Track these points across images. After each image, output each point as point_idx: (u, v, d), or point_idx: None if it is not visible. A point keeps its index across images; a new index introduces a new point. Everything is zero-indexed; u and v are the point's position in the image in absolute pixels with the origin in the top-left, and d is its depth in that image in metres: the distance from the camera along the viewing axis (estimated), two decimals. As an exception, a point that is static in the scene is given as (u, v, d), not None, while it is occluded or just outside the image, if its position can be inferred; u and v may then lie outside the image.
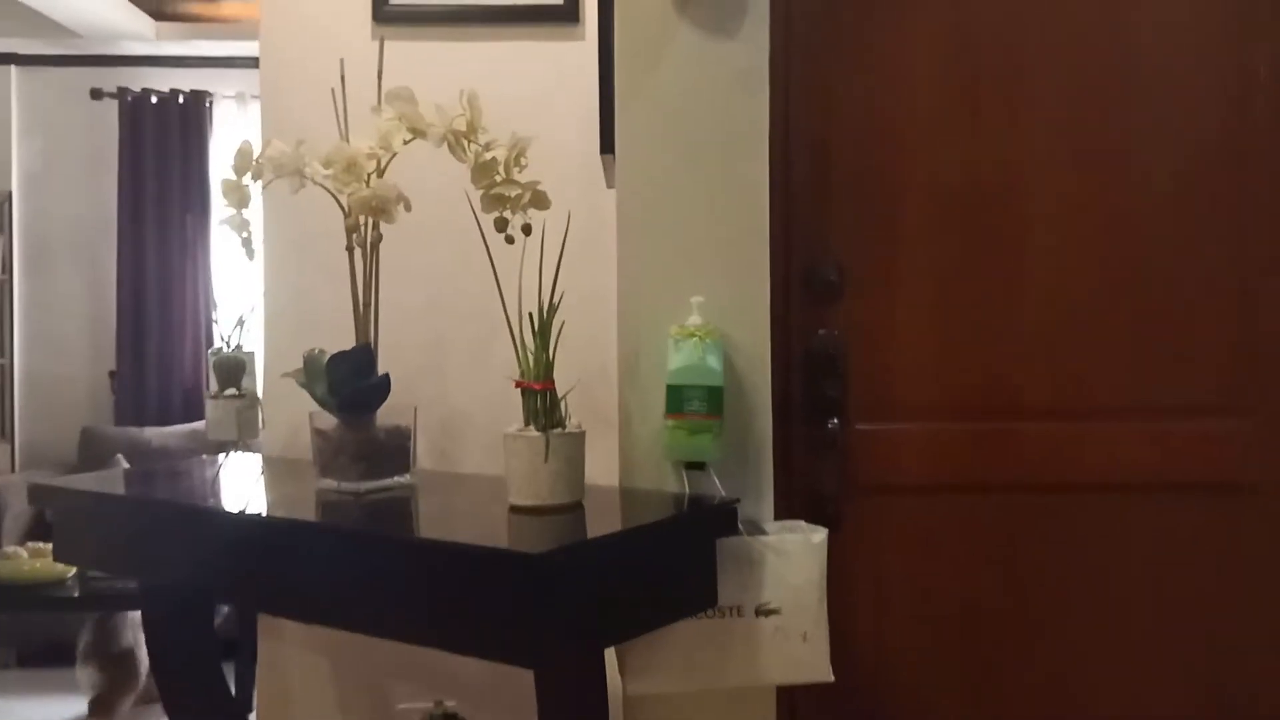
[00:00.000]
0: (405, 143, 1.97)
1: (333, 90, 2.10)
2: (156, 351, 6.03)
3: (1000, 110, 2.07)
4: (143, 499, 2.08)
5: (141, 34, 5.85)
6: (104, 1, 5.48)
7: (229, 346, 2.21)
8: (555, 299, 1.76)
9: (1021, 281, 2.06)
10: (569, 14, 2.56)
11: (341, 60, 2.14)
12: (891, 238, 2.08)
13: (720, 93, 1.96)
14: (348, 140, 2.06)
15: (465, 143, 1.93)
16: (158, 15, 5.80)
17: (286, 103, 2.50)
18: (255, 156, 2.00)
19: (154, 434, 5.73)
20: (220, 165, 5.99)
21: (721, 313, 1.90)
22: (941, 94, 2.09)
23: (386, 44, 2.24)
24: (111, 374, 6.10)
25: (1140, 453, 2.04)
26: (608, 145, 2.03)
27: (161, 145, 6.16)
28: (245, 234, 2.03)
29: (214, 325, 5.39)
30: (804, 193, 2.08)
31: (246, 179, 2.03)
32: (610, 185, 2.22)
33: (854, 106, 2.09)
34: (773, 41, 1.96)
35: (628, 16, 1.97)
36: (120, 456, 5.47)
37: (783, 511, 1.94)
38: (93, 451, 5.62)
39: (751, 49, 1.97)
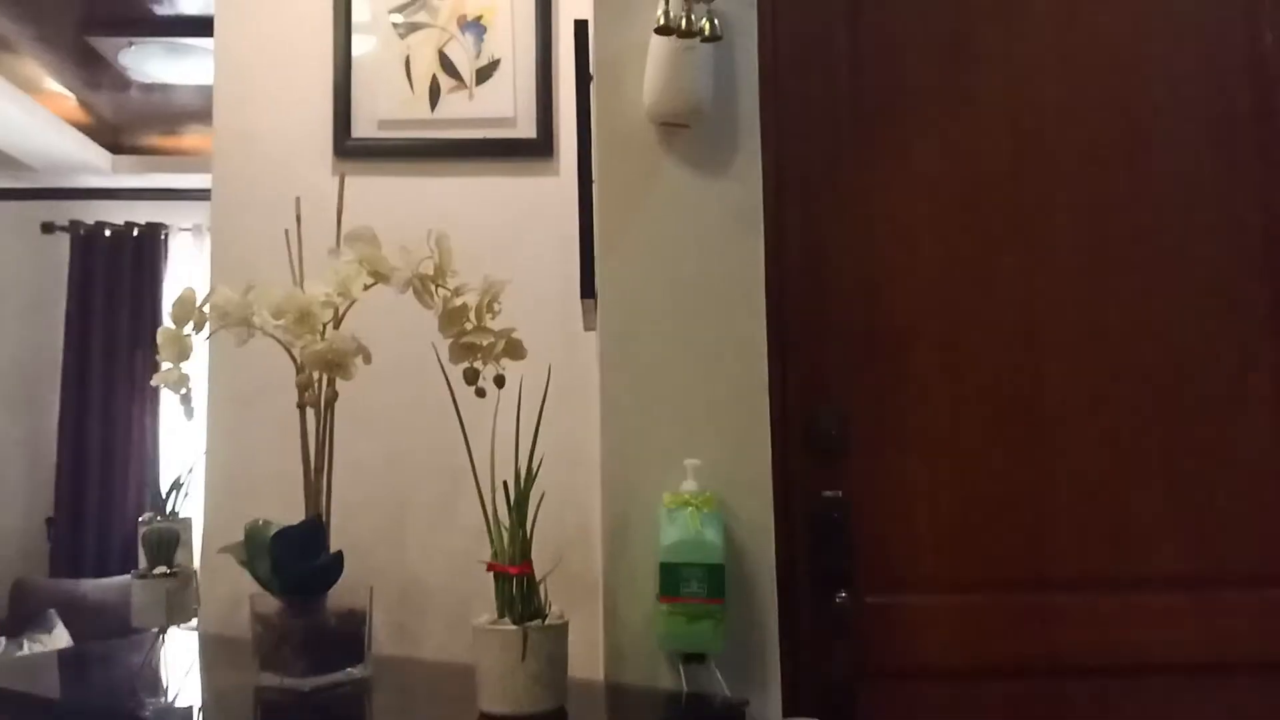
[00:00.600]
0: (366, 288, 1.78)
1: (286, 231, 1.93)
2: (97, 498, 5.71)
3: (1014, 257, 1.93)
4: (52, 702, 1.80)
5: (97, 167, 5.73)
6: (61, 135, 5.36)
7: (163, 514, 1.96)
8: (534, 464, 1.55)
9: (1052, 434, 1.88)
10: (543, 148, 2.42)
11: (298, 199, 1.97)
12: (900, 390, 1.91)
13: (710, 234, 1.80)
14: (303, 285, 1.87)
15: (433, 287, 1.74)
16: (115, 148, 5.68)
17: (239, 243, 2.33)
18: (199, 304, 1.80)
19: (90, 587, 5.37)
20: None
21: (719, 477, 1.70)
22: (948, 242, 1.95)
23: (349, 180, 2.08)
24: (49, 521, 5.75)
25: (1192, 629, 1.83)
26: (588, 289, 1.86)
27: (113, 280, 5.97)
28: (184, 390, 1.82)
29: (151, 484, 5.12)
30: (802, 341, 1.91)
31: (188, 329, 1.82)
32: (590, 327, 2.05)
33: (852, 254, 1.95)
34: (764, 184, 1.81)
35: (608, 152, 1.82)
36: (54, 613, 5.10)
37: (790, 706, 1.70)
38: (25, 606, 5.24)
39: (743, 188, 1.82)
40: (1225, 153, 1.96)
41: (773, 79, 1.95)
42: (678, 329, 1.77)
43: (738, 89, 1.83)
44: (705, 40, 1.57)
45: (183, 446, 5.38)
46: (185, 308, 1.78)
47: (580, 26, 1.91)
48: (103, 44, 4.35)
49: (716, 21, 1.56)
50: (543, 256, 2.36)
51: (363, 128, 2.45)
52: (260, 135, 2.43)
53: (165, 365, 1.82)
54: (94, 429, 5.75)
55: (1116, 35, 2.00)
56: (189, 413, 1.87)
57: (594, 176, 1.85)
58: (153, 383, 1.81)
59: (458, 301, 1.72)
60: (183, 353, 1.83)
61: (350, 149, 2.44)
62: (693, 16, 1.53)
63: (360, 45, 2.46)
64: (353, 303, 1.78)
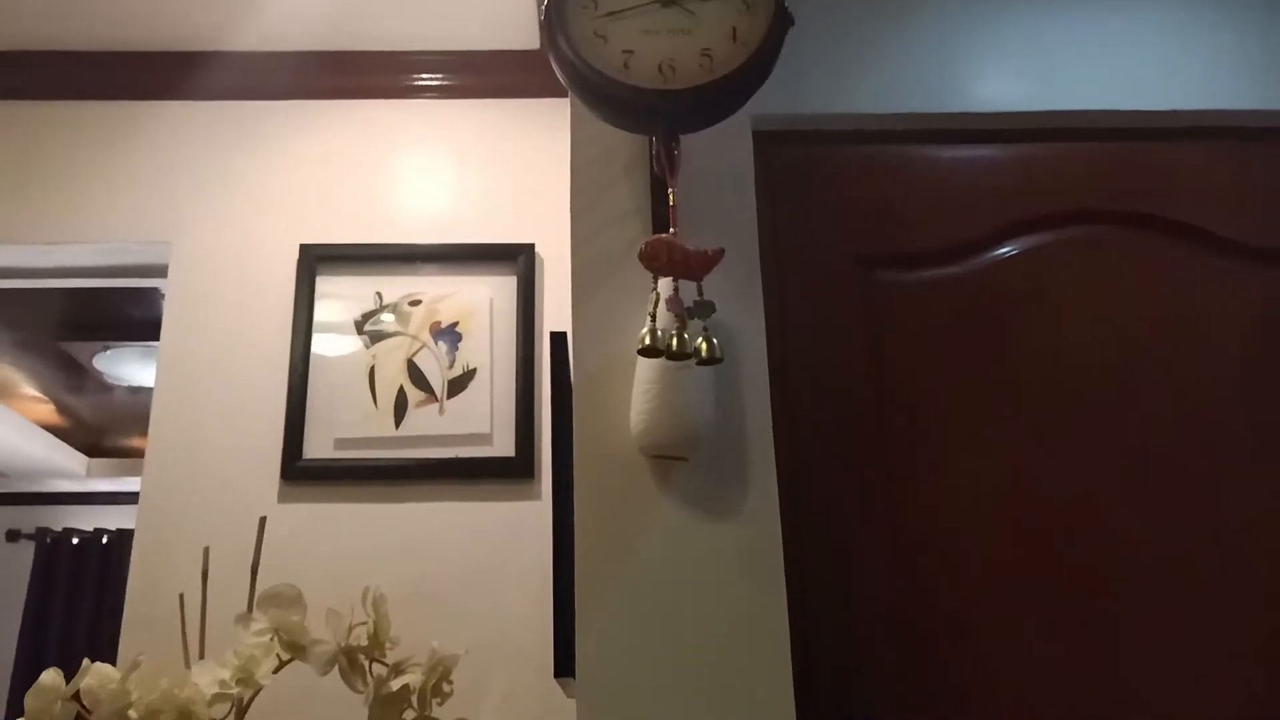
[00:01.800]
0: (279, 668, 1.40)
1: (181, 595, 1.57)
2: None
3: (1078, 564, 1.56)
4: None
5: (71, 471, 5.46)
6: (34, 441, 5.13)
7: None
8: None
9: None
10: (522, 469, 2.11)
11: (206, 549, 1.63)
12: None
13: (719, 590, 1.45)
14: (203, 652, 1.49)
15: (366, 664, 1.36)
16: (90, 451, 5.43)
17: (160, 572, 2.02)
18: (63, 691, 1.41)
19: None
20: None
21: None
22: (1001, 565, 1.58)
23: (296, 509, 1.76)
24: None
25: None
26: (564, 664, 1.47)
27: (75, 591, 5.55)
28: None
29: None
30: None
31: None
32: (571, 696, 1.64)
33: (892, 586, 1.58)
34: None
35: (589, 489, 1.49)
36: None
37: None
38: None
39: (757, 532, 1.48)
40: None
41: (784, 396, 1.65)
42: (680, 707, 1.37)
43: (745, 413, 1.53)
44: (703, 364, 1.27)
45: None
46: (43, 699, 1.39)
47: (558, 340, 1.63)
48: (77, 349, 4.18)
49: (716, 342, 1.26)
50: (522, 595, 1.99)
51: (317, 446, 2.14)
52: (199, 448, 2.13)
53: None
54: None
55: (1161, 317, 1.75)
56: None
57: (575, 519, 1.51)
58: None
59: (396, 684, 1.34)
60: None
61: (301, 471, 2.13)
62: (685, 335, 1.24)
63: (320, 352, 2.20)
64: (258, 691, 1.39)
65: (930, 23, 1.95)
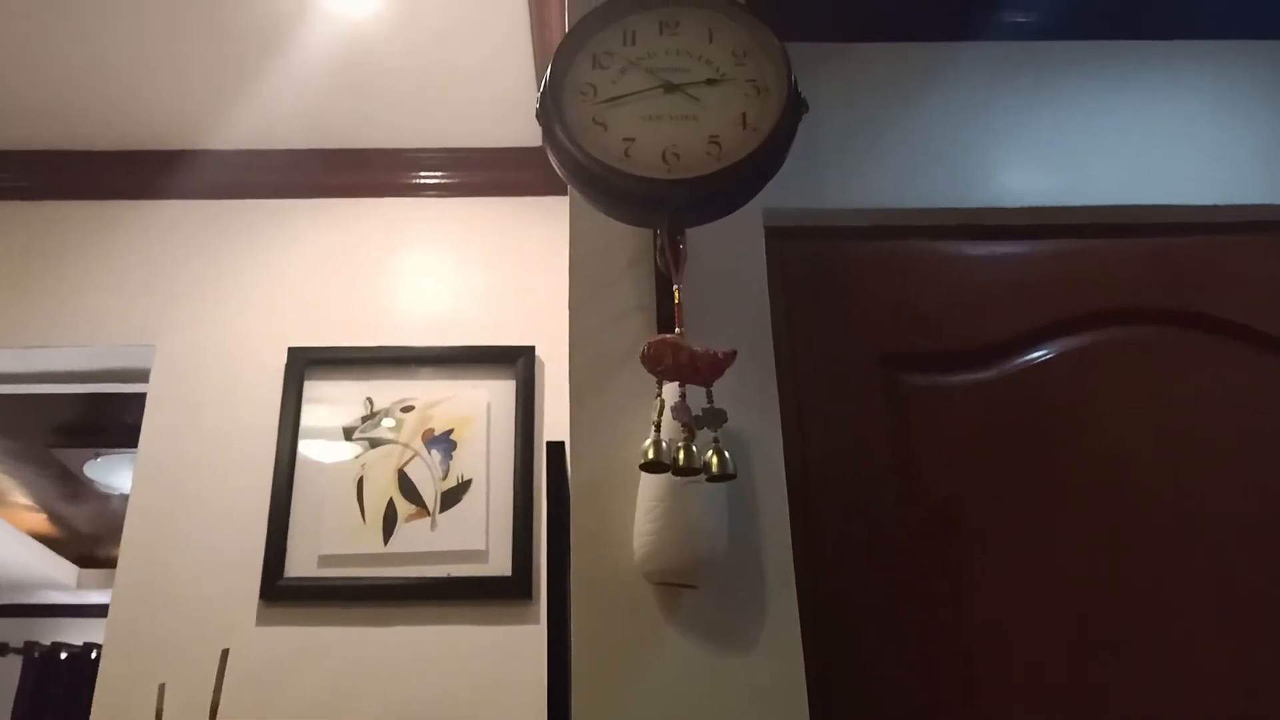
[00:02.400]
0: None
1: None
2: None
3: (1131, 672, 1.41)
4: None
5: (62, 583, 5.28)
6: (26, 551, 4.97)
7: None
8: None
9: None
10: (519, 589, 1.95)
11: (162, 686, 1.47)
12: None
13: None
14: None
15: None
16: (82, 562, 5.27)
17: (124, 692, 1.82)
18: None
19: None
20: None
21: None
22: (1049, 675, 1.43)
23: (274, 631, 1.61)
24: None
25: None
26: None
27: (63, 705, 5.33)
28: None
29: None
30: None
31: None
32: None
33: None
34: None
35: (588, 616, 1.34)
36: None
37: None
38: None
39: (778, 664, 1.32)
40: None
41: (804, 512, 1.51)
42: None
43: (761, 532, 1.38)
44: (714, 480, 1.13)
45: None
46: None
47: (555, 450, 1.49)
48: (69, 456, 4.06)
49: (728, 455, 1.12)
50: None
51: (300, 564, 2.00)
52: (175, 565, 1.99)
53: None
54: None
55: (1212, 417, 1.63)
56: None
57: (571, 649, 1.35)
58: None
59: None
60: None
61: (282, 590, 1.98)
62: (694, 448, 1.10)
63: (306, 462, 2.07)
64: None
65: (950, 114, 1.86)
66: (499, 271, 2.29)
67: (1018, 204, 1.78)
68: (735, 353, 1.16)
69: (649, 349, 1.14)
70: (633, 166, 1.27)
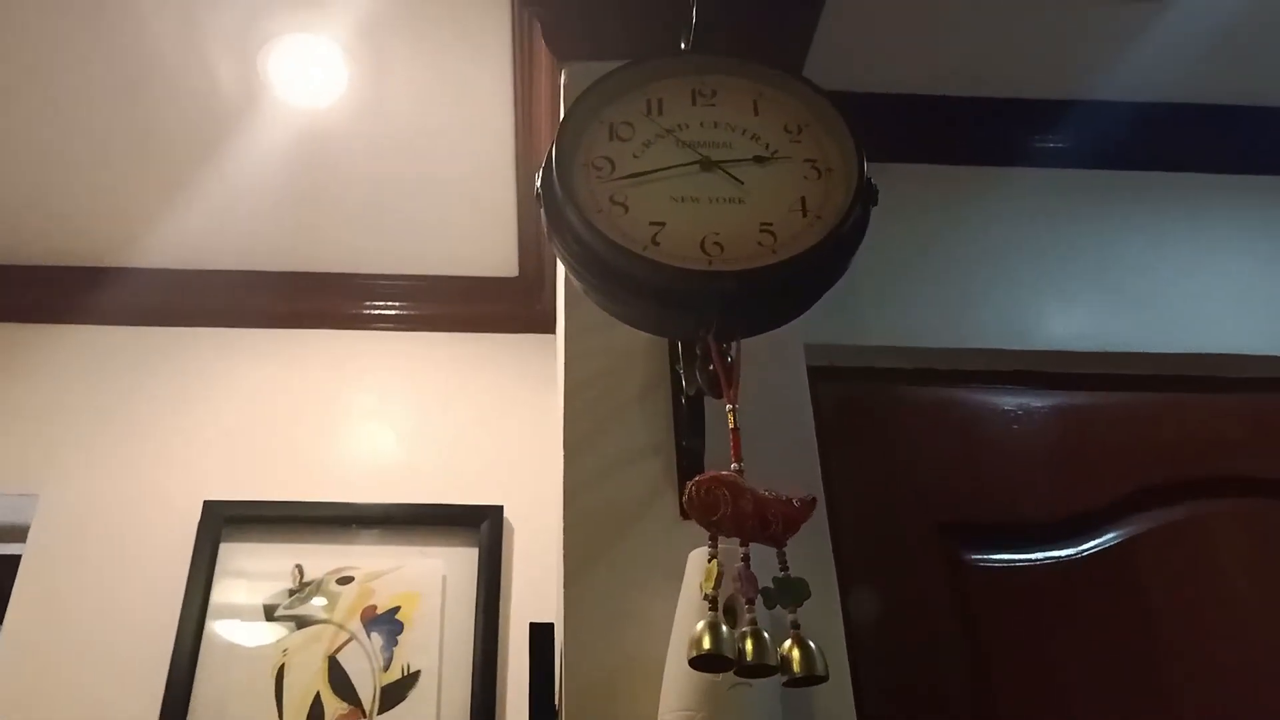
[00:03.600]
0: None
1: None
2: None
3: None
4: None
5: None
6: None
7: None
8: None
9: None
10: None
11: None
12: None
13: None
14: None
15: None
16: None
17: None
18: None
19: None
20: None
21: None
22: None
23: None
24: None
25: None
26: None
27: None
28: None
29: None
30: None
31: None
32: None
33: None
34: None
35: None
36: None
37: None
38: None
39: None
40: None
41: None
42: None
43: (820, 745, 1.03)
44: (795, 684, 0.78)
45: None
46: None
47: (541, 635, 1.14)
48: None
49: (815, 647, 0.78)
50: None
51: (196, 779, 1.56)
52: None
53: None
54: None
55: None
56: None
57: None
58: None
59: None
60: None
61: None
62: (766, 636, 0.76)
63: (214, 645, 1.69)
64: None
65: (1001, 243, 1.67)
66: (462, 418, 1.97)
67: (1085, 348, 1.55)
68: (815, 501, 0.84)
69: (698, 491, 0.82)
70: (663, 256, 0.99)
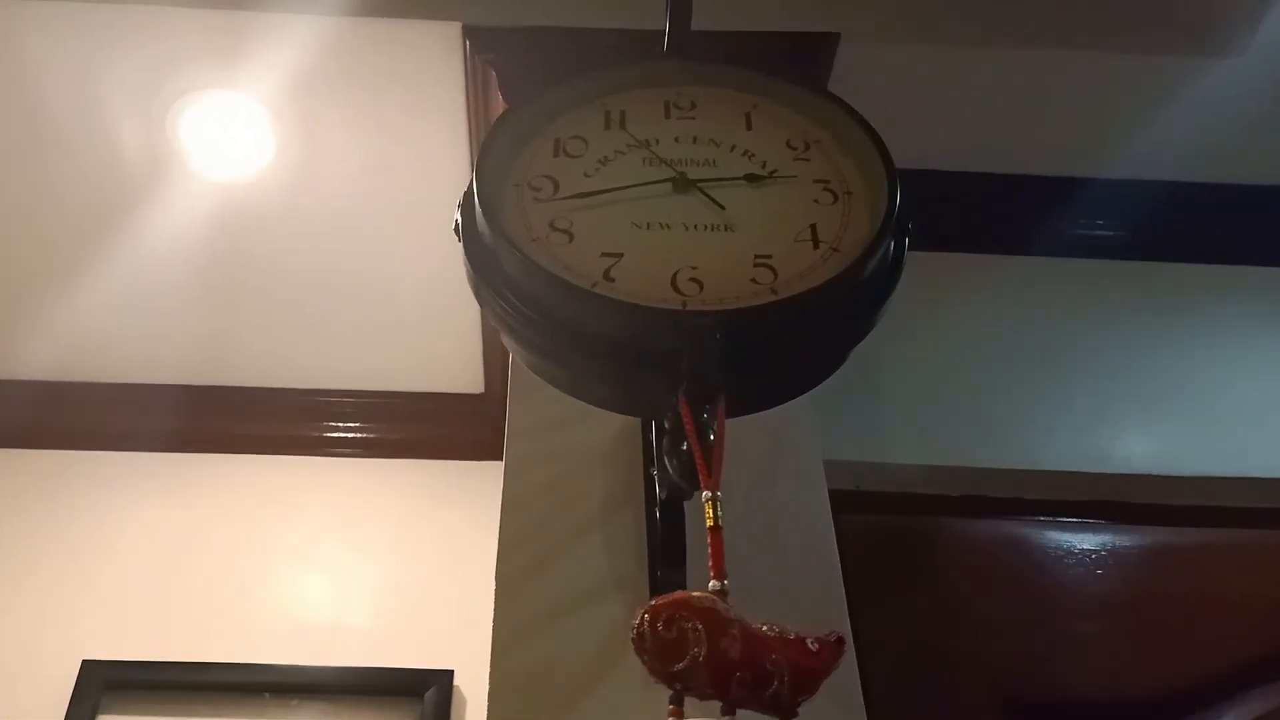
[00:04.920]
0: None
1: None
2: None
3: None
4: None
5: None
6: None
7: None
8: None
9: None
10: None
11: None
12: None
13: None
14: None
15: None
16: None
17: None
18: None
19: None
20: None
21: None
22: None
23: None
24: None
25: None
26: None
27: None
28: None
29: None
30: None
31: None
32: None
33: None
34: None
35: None
36: None
37: None
38: None
39: None
40: None
41: None
42: None
43: None
44: None
45: None
46: None
47: None
48: None
49: None
50: None
51: None
52: None
53: None
54: None
55: None
56: None
57: None
58: None
59: None
60: None
61: None
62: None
63: None
64: None
65: (1073, 348, 1.39)
66: (411, 560, 1.71)
67: (1180, 471, 1.30)
68: (842, 642, 0.53)
69: (654, 622, 0.52)
70: (620, 293, 0.72)
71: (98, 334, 1.64)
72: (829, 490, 1.08)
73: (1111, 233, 1.53)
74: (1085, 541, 1.24)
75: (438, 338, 1.70)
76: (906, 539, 1.23)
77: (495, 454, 1.73)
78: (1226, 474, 1.26)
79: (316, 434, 1.76)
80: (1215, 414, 1.32)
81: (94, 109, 1.39)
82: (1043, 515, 1.26)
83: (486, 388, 1.77)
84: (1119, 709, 1.14)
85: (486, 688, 1.52)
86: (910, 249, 0.80)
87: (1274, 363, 1.37)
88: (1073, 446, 1.30)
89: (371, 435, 1.76)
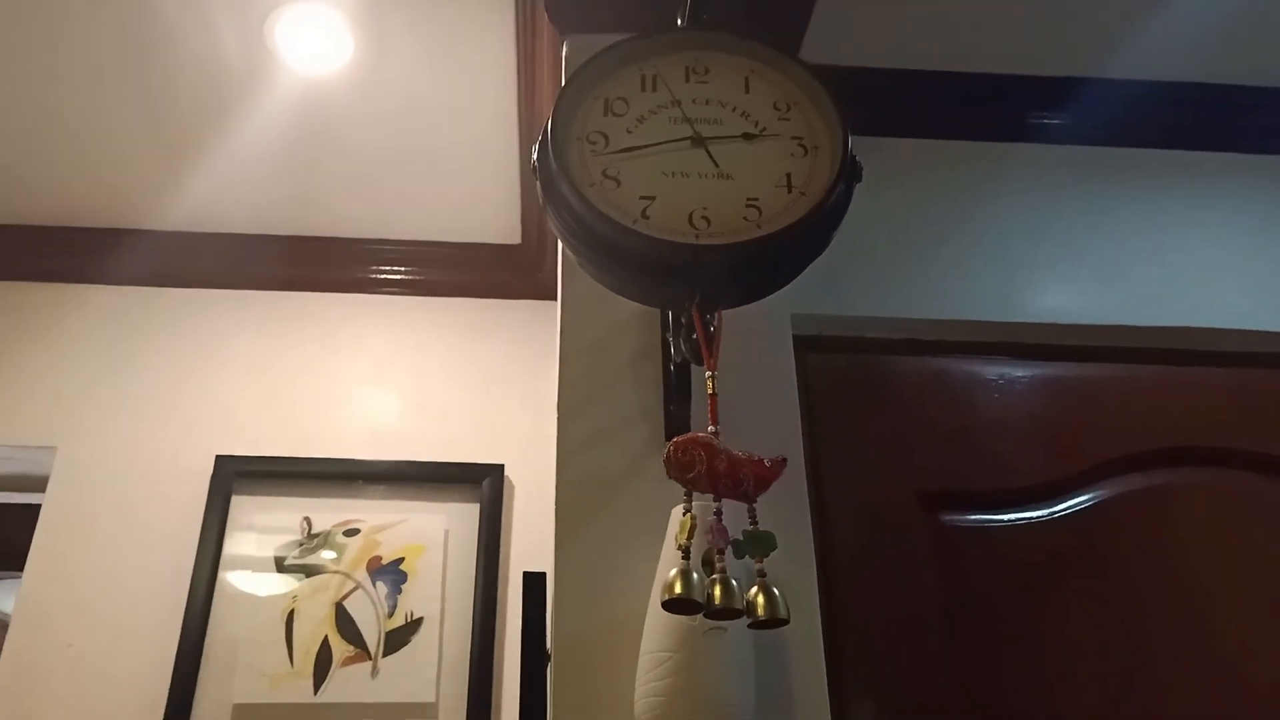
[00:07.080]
0: None
1: None
2: None
3: None
4: None
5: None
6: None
7: None
8: None
9: None
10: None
11: None
12: None
13: None
14: None
15: None
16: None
17: None
18: None
19: None
20: None
21: None
22: None
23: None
24: None
25: None
26: None
27: None
28: None
29: None
30: None
31: None
32: None
33: None
34: None
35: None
36: None
37: None
38: None
39: None
40: None
41: (838, 665, 1.24)
42: None
43: (793, 693, 1.10)
44: (759, 626, 0.85)
45: None
46: None
47: (534, 583, 1.21)
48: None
49: (778, 593, 0.84)
50: None
51: (209, 716, 1.65)
52: (51, 713, 1.64)
53: None
54: None
55: None
56: None
57: None
58: None
59: None
60: None
61: (183, 752, 1.61)
62: (734, 582, 0.82)
63: (227, 592, 1.75)
64: None
65: (994, 219, 1.69)
66: (464, 380, 2.02)
67: (1071, 320, 1.59)
68: (785, 460, 0.90)
69: (676, 451, 0.88)
70: (653, 229, 1.04)
71: (213, 195, 1.93)
72: (798, 336, 1.40)
73: (1058, 122, 1.78)
74: (992, 373, 1.56)
75: (483, 201, 1.98)
76: (858, 373, 1.53)
77: (531, 294, 2.08)
78: (1104, 323, 1.54)
79: (389, 276, 2.06)
80: (1105, 276, 1.58)
81: (201, 17, 1.63)
82: (963, 354, 1.59)
83: (523, 240, 2.07)
84: (1006, 493, 1.48)
85: (530, 479, 1.92)
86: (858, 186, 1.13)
87: (1162, 234, 1.63)
88: (993, 300, 1.59)
89: (431, 278, 2.06)
